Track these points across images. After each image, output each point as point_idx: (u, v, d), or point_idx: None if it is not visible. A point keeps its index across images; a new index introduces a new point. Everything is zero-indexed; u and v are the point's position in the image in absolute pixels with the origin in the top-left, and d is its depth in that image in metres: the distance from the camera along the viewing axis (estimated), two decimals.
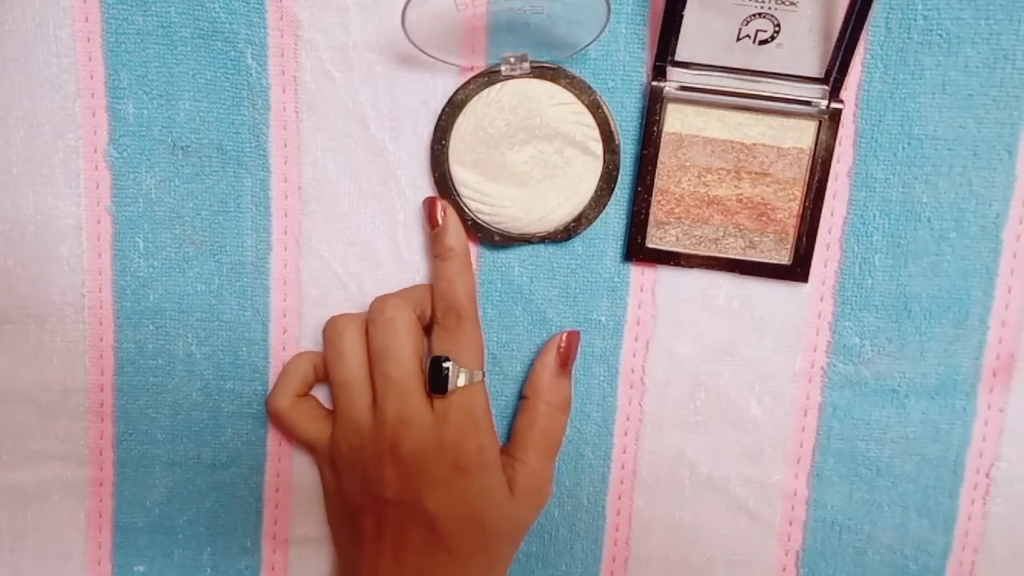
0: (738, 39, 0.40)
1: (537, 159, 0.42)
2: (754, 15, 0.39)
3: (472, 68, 0.42)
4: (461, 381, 0.40)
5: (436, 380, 0.40)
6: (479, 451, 0.40)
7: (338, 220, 0.43)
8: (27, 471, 0.45)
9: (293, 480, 0.46)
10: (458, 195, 0.42)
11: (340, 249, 0.44)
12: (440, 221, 0.42)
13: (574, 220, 0.43)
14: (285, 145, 0.43)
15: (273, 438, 0.45)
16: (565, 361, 0.43)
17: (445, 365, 0.40)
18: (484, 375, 0.42)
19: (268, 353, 0.44)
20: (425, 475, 0.40)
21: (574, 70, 0.42)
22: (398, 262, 0.44)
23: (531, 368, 0.44)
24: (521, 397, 0.44)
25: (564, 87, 0.41)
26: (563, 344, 0.43)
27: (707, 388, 0.44)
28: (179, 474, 0.45)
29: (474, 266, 0.44)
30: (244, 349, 0.44)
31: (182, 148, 0.43)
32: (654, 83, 0.41)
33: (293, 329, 0.44)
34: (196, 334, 0.44)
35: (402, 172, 0.43)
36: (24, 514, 0.46)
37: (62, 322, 0.44)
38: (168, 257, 0.44)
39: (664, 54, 0.40)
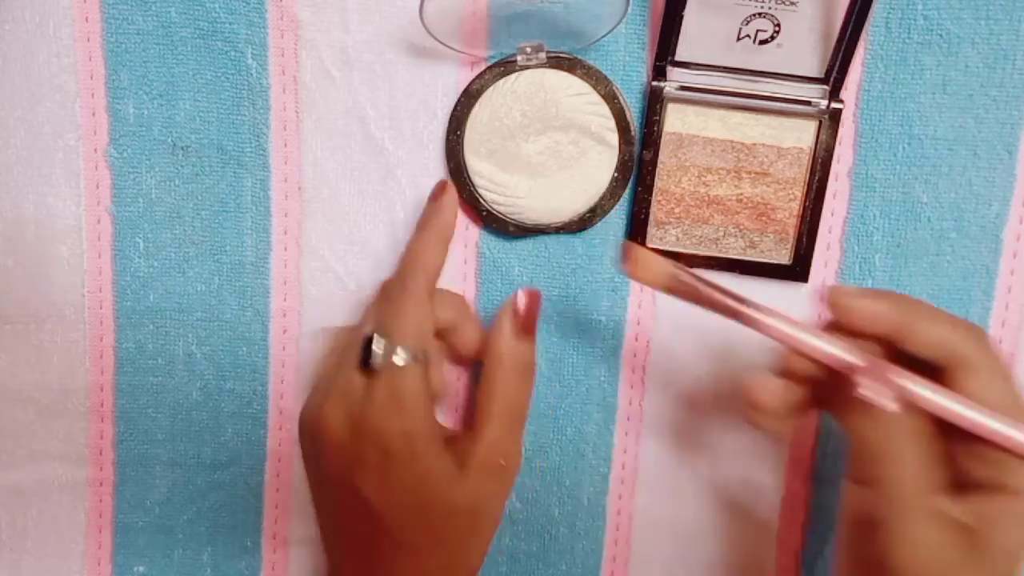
0: (738, 39, 0.40)
1: (552, 149, 0.42)
2: (754, 15, 0.39)
3: (484, 59, 0.42)
4: (399, 360, 0.36)
5: (362, 354, 0.37)
6: (404, 437, 0.37)
7: (338, 220, 0.43)
8: (27, 471, 0.45)
9: (293, 480, 0.46)
10: (473, 186, 0.42)
11: (340, 249, 0.44)
12: (437, 199, 0.40)
13: (589, 211, 0.42)
14: (285, 145, 0.43)
15: (273, 438, 0.45)
16: (525, 324, 0.40)
17: (372, 338, 0.37)
18: (427, 358, 0.38)
19: (268, 353, 0.44)
20: (354, 457, 0.37)
21: None
22: (398, 261, 0.44)
23: (488, 333, 0.40)
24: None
25: (580, 77, 0.41)
26: (520, 305, 0.40)
27: (707, 388, 0.44)
28: (179, 474, 0.45)
29: (474, 267, 0.44)
30: (244, 349, 0.44)
31: (182, 148, 0.43)
32: (654, 83, 0.41)
33: (293, 329, 0.44)
34: (196, 334, 0.44)
35: (402, 172, 0.43)
36: (24, 514, 0.46)
37: (62, 322, 0.44)
38: (168, 257, 0.44)
39: (664, 54, 0.40)
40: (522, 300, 0.40)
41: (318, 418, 0.38)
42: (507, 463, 0.39)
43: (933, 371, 0.34)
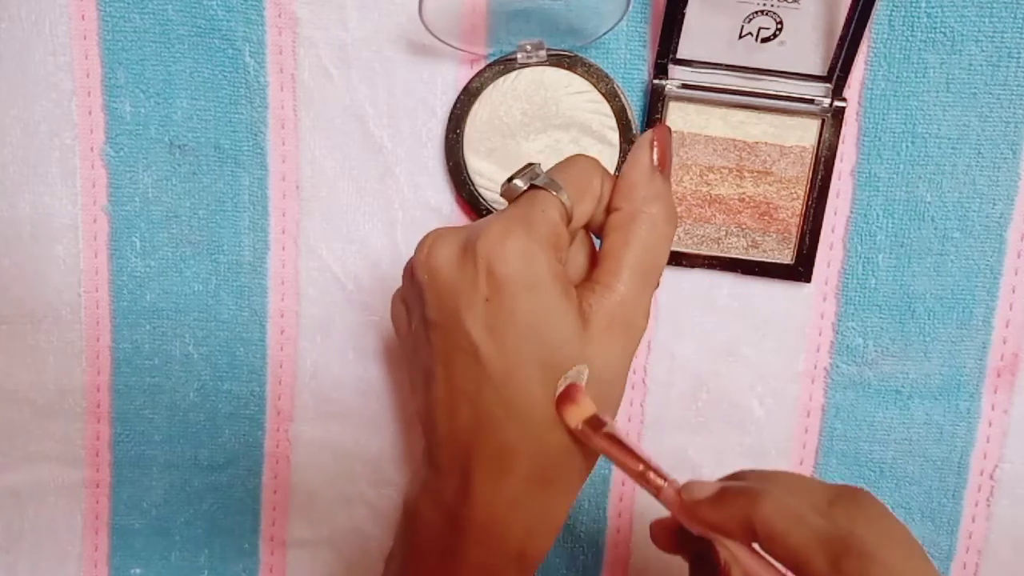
0: (740, 36, 0.40)
1: (553, 148, 0.42)
2: (756, 12, 0.39)
3: (484, 56, 0.42)
4: (541, 181, 0.31)
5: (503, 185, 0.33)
6: (524, 257, 0.30)
7: (336, 219, 0.43)
8: (23, 472, 0.45)
9: (290, 482, 0.45)
10: (472, 184, 0.42)
11: (338, 248, 0.43)
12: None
13: None
14: (283, 143, 0.43)
15: (270, 440, 0.45)
16: (660, 158, 0.33)
17: (530, 164, 0.32)
18: (569, 212, 0.32)
19: (265, 353, 0.44)
20: (462, 286, 0.31)
21: None
22: (396, 261, 0.43)
23: (619, 176, 0.34)
24: (608, 212, 0.33)
25: (581, 75, 0.41)
26: (656, 140, 0.33)
27: (709, 389, 0.44)
28: (176, 476, 0.45)
29: None
30: (241, 349, 0.44)
31: (179, 147, 0.43)
32: (656, 81, 0.41)
33: (291, 329, 0.44)
34: (193, 334, 0.44)
35: (400, 170, 0.43)
36: (20, 516, 0.46)
37: (58, 322, 0.44)
38: (165, 256, 0.43)
39: (666, 52, 0.40)
40: (658, 134, 0.33)
41: (426, 257, 0.32)
42: (635, 323, 0.33)
43: None
